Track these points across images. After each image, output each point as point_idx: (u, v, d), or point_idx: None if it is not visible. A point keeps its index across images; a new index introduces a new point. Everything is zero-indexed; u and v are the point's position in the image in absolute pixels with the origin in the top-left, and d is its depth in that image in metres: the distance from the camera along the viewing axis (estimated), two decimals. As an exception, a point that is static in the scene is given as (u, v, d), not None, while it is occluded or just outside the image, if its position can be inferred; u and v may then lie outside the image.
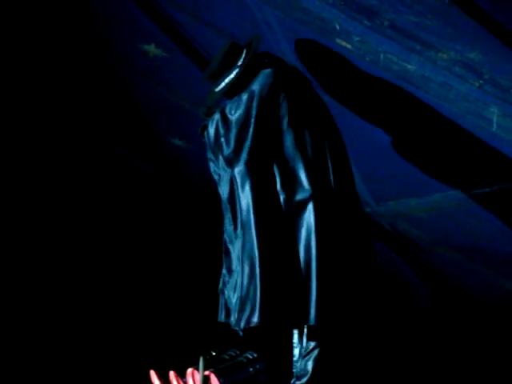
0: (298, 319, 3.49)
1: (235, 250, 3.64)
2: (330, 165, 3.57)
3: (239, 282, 3.52)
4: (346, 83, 4.06)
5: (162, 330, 6.19)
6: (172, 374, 3.69)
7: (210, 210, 4.11)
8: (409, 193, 4.55)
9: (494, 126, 3.70)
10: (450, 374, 5.60)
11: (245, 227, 3.52)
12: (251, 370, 3.76)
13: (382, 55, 3.73)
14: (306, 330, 3.68)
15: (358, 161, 4.40)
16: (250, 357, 3.80)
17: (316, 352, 3.64)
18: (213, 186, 3.87)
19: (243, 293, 3.48)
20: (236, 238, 3.63)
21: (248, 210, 3.51)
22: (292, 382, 3.68)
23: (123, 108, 5.50)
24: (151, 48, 4.69)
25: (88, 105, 5.67)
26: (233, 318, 3.58)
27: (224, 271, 3.75)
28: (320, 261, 3.45)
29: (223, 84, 3.73)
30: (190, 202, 6.24)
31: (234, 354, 3.85)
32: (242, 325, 3.47)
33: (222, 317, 3.75)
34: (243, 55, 3.72)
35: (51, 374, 5.86)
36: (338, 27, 3.73)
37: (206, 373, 3.63)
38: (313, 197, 3.49)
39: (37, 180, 6.07)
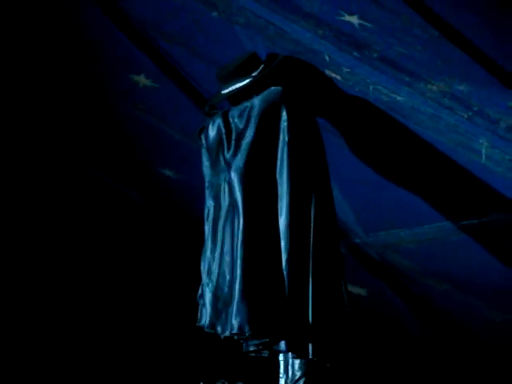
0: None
1: (215, 255, 3.66)
2: (313, 195, 3.60)
3: (225, 288, 3.57)
4: (336, 113, 4.07)
5: (150, 362, 6.15)
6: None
7: (198, 238, 4.10)
8: (398, 224, 4.55)
9: (483, 157, 3.71)
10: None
11: (229, 233, 3.59)
12: (240, 401, 3.75)
13: (371, 86, 3.75)
14: (291, 361, 3.68)
15: (348, 191, 4.41)
16: (239, 388, 3.79)
17: (302, 382, 3.63)
18: (201, 215, 3.87)
19: (232, 297, 3.51)
20: (217, 243, 3.66)
21: (238, 214, 3.56)
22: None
23: (112, 137, 5.50)
24: (141, 78, 4.69)
25: (76, 134, 5.67)
26: (219, 326, 3.58)
27: (204, 280, 3.75)
28: (293, 283, 3.50)
29: (231, 88, 3.80)
30: (178, 231, 6.23)
31: (222, 385, 3.84)
32: (233, 330, 3.48)
33: (203, 322, 3.73)
34: (259, 69, 3.78)
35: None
36: (327, 59, 3.75)
37: (195, 404, 3.62)
38: (291, 221, 3.53)
39: (25, 207, 6.06)
